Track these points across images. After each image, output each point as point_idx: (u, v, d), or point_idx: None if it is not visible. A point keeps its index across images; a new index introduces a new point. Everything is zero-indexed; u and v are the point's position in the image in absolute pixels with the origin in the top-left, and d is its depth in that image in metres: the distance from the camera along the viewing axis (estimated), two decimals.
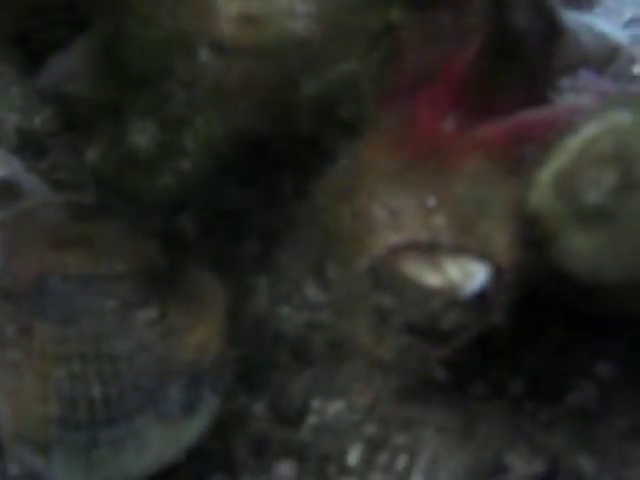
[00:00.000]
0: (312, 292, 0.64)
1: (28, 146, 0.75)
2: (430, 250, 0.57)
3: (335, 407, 0.62)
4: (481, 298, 0.56)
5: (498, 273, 0.56)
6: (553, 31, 0.65)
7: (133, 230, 0.62)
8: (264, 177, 0.65)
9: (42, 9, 0.62)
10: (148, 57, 0.61)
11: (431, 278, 0.56)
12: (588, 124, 0.56)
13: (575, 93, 0.65)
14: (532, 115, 0.61)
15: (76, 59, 0.62)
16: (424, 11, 0.61)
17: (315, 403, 0.62)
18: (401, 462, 0.60)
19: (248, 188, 0.65)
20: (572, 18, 0.68)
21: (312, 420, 0.62)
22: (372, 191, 0.59)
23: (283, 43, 0.60)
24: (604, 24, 0.74)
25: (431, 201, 0.58)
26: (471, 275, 0.56)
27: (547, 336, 0.63)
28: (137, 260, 0.59)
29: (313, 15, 0.60)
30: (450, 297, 0.56)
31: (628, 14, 0.88)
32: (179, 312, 0.59)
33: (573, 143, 0.56)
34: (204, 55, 0.60)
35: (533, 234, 0.57)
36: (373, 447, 0.60)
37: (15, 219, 0.60)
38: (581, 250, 0.56)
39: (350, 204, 0.60)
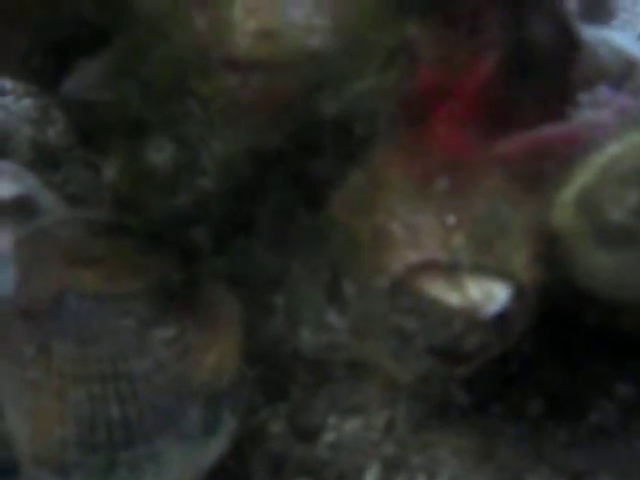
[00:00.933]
0: (328, 311, 0.64)
1: (42, 159, 0.75)
2: (450, 269, 0.56)
3: (353, 425, 0.62)
4: (502, 318, 0.55)
5: (519, 293, 0.56)
6: (572, 45, 0.64)
7: (149, 247, 0.61)
8: (279, 192, 0.65)
9: (67, 21, 0.62)
10: (164, 72, 0.61)
11: (452, 298, 0.55)
12: (611, 142, 0.56)
13: (594, 108, 0.64)
14: (551, 131, 0.60)
15: (98, 70, 0.62)
16: (441, 26, 0.61)
17: (332, 421, 0.62)
18: None
19: (264, 204, 0.65)
20: (590, 32, 0.68)
21: (329, 438, 0.61)
22: (390, 208, 0.59)
23: (300, 58, 0.60)
24: (621, 38, 0.74)
25: (450, 219, 0.57)
26: (492, 295, 0.55)
27: (567, 356, 0.62)
28: (153, 278, 0.59)
29: (330, 30, 0.60)
30: (471, 317, 0.55)
31: None
32: (196, 330, 0.58)
33: (596, 161, 0.56)
34: (221, 71, 0.59)
35: (554, 252, 0.56)
36: (391, 467, 0.60)
37: (32, 236, 0.60)
38: (603, 269, 0.55)
39: (367, 221, 0.59)
